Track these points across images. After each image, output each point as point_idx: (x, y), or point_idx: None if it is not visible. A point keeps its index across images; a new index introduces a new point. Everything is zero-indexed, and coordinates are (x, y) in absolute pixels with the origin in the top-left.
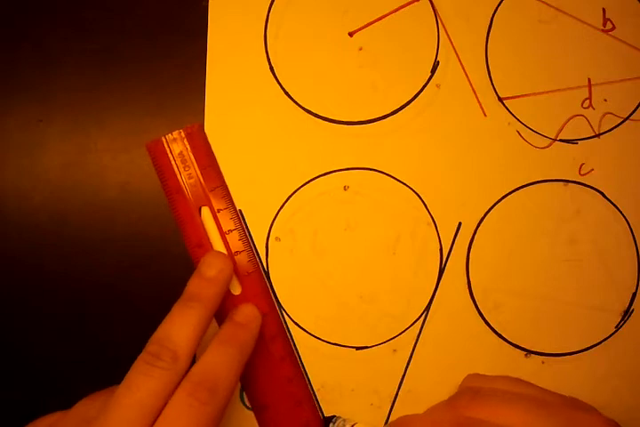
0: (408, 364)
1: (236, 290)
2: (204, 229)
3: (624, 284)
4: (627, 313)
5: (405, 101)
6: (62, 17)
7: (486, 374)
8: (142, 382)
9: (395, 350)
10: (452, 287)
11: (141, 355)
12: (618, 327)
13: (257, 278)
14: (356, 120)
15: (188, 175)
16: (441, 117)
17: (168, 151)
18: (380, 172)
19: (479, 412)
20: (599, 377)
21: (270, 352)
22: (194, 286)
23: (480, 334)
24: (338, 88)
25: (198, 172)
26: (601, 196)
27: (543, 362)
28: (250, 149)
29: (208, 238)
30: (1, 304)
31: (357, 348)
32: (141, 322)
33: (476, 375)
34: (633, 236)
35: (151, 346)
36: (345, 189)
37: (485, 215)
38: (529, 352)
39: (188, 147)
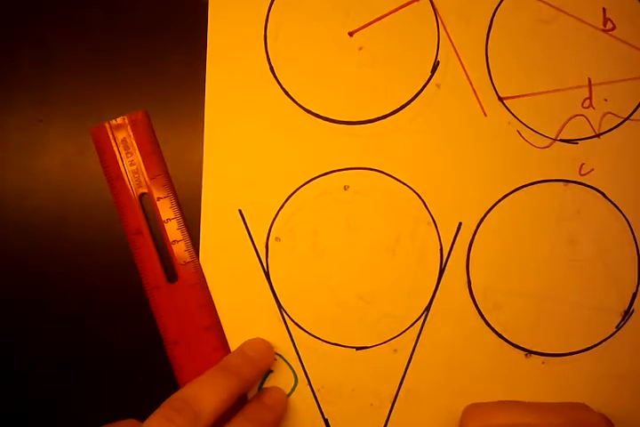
0: (408, 364)
1: (173, 279)
2: (144, 217)
3: (624, 284)
4: (627, 313)
5: (405, 101)
6: (62, 17)
7: (486, 375)
8: None
9: (395, 351)
10: (453, 287)
11: (162, 408)
12: (618, 328)
13: (193, 268)
14: (356, 120)
15: (129, 162)
16: (441, 117)
17: (111, 137)
18: (380, 171)
19: None
20: (599, 377)
21: (204, 343)
22: (234, 359)
23: (480, 335)
24: (338, 88)
25: (140, 159)
26: (601, 196)
27: (543, 362)
28: (250, 149)
29: (147, 226)
30: (1, 304)
31: (357, 348)
32: (142, 322)
33: (475, 408)
34: (633, 236)
35: (175, 401)
36: (345, 189)
37: (486, 215)
38: (529, 352)
39: (132, 134)
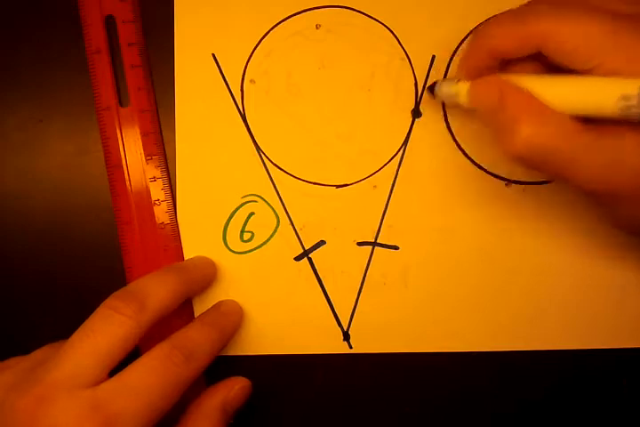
0: (388, 200)
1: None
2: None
3: None
4: None
5: None
6: (62, 17)
7: (467, 206)
8: (100, 328)
9: (375, 187)
10: (429, 121)
11: (106, 300)
12: None
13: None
14: None
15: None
16: None
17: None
18: (351, 9)
19: None
20: (584, 203)
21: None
22: (183, 263)
23: (459, 166)
24: None
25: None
26: None
27: (524, 190)
28: None
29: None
30: (1, 305)
31: (337, 186)
32: None
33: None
34: None
35: (120, 292)
36: (317, 28)
37: (458, 47)
38: (509, 182)
39: None
